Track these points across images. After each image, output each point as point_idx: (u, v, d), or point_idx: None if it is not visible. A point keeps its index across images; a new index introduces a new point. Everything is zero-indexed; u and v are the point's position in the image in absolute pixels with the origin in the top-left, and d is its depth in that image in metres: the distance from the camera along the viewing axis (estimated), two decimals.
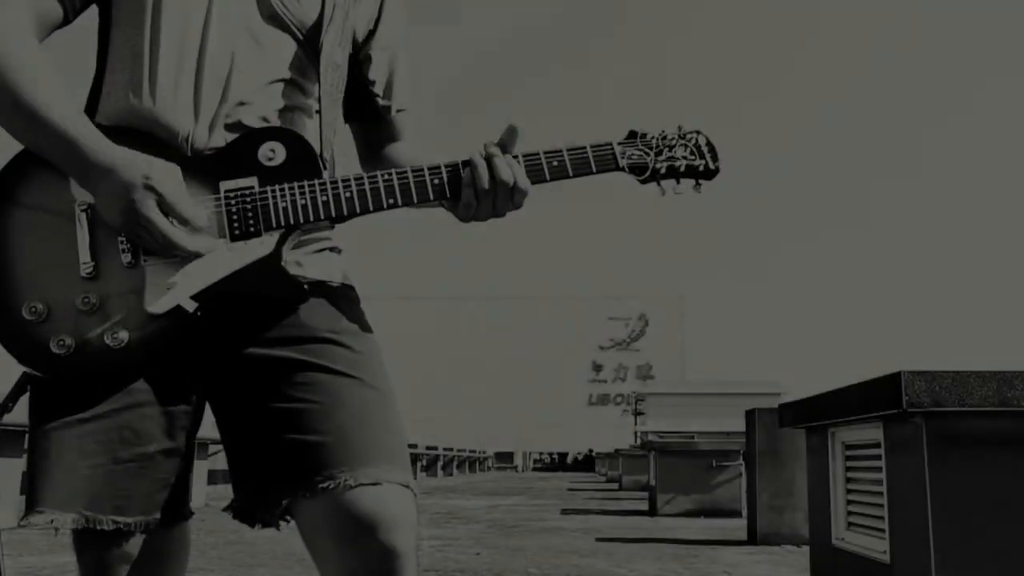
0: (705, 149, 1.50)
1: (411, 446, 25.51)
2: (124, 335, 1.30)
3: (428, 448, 29.44)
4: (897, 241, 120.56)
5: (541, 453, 66.71)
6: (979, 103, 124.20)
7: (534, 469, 60.48)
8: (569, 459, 64.94)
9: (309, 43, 1.48)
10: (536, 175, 1.41)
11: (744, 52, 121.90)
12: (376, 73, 1.61)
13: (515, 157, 1.41)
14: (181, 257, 1.31)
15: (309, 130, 1.48)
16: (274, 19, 1.45)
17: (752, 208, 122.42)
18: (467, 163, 1.40)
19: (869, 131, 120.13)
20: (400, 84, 1.65)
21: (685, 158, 1.49)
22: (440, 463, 31.40)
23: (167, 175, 1.29)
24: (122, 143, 1.31)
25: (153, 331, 1.31)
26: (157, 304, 1.30)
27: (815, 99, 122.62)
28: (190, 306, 1.31)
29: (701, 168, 1.49)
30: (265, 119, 1.42)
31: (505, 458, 60.42)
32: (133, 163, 1.28)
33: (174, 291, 1.30)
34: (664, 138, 1.48)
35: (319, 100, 1.47)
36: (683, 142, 1.49)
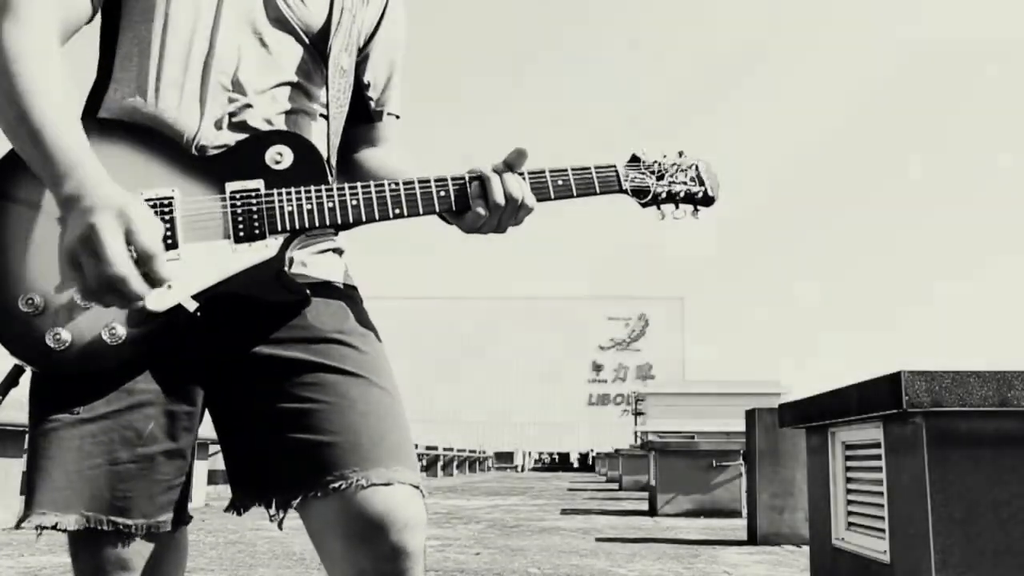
0: (705, 177, 1.52)
1: None
2: (122, 332, 1.28)
3: (428, 448, 29.44)
4: (897, 240, 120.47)
5: (541, 453, 66.71)
6: (969, 101, 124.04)
7: (534, 469, 60.48)
8: (572, 459, 64.98)
9: (316, 47, 1.47)
10: (541, 193, 1.43)
11: (744, 51, 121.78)
12: (372, 75, 1.60)
13: (521, 175, 1.42)
14: (183, 255, 1.29)
15: (315, 134, 1.48)
16: (280, 22, 1.45)
17: (752, 208, 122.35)
18: (475, 178, 1.41)
19: (868, 130, 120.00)
20: (395, 88, 1.64)
21: (685, 184, 1.51)
22: (440, 463, 31.41)
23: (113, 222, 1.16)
24: (127, 138, 1.31)
25: (151, 329, 1.29)
26: (157, 302, 1.27)
27: (814, 95, 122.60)
28: (191, 305, 1.29)
29: (700, 196, 1.52)
30: (269, 121, 1.42)
31: (505, 458, 60.44)
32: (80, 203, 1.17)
33: (175, 290, 1.28)
34: (665, 164, 1.51)
35: (326, 106, 1.47)
36: (684, 169, 1.51)
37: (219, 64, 1.39)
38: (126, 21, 1.41)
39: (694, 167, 1.52)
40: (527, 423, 65.31)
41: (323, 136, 1.48)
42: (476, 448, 45.83)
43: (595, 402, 68.67)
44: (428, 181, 1.39)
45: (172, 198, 1.30)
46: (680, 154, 1.51)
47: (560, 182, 1.43)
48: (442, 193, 1.39)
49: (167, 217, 1.29)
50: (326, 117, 1.48)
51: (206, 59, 1.38)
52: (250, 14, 1.42)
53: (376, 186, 1.37)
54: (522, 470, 57.04)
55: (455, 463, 35.40)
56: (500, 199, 1.39)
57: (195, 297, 1.30)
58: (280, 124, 1.43)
